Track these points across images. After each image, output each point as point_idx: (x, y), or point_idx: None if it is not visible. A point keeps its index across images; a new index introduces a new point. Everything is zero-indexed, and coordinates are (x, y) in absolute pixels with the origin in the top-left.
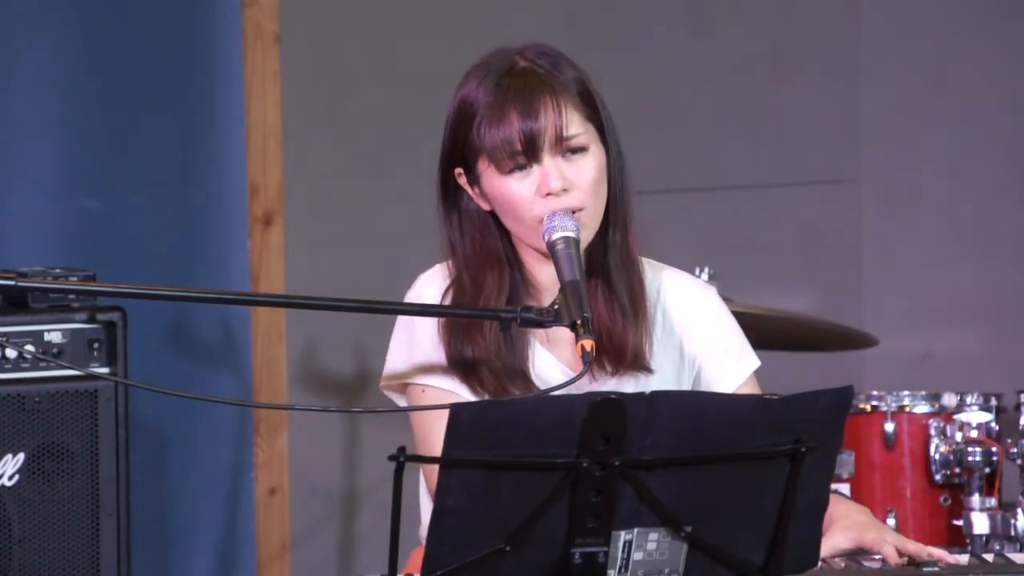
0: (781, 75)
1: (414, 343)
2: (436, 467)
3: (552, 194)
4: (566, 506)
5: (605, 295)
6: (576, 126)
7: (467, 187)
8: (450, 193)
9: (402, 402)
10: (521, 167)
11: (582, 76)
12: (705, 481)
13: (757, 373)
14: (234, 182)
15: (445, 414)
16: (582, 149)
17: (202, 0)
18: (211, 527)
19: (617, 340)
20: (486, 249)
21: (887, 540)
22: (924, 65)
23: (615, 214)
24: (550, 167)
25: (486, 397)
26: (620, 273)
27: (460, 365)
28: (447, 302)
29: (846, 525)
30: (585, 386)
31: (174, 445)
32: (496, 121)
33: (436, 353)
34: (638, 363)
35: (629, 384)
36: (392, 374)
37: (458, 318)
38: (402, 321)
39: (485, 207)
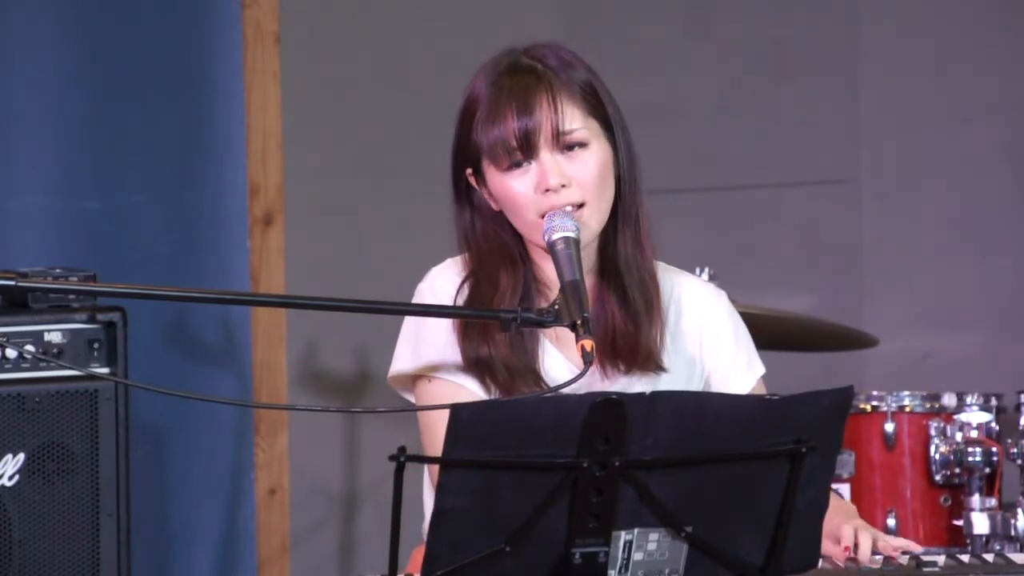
0: (781, 74)
1: (422, 337)
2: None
3: (551, 190)
4: (566, 506)
5: (617, 294)
6: (575, 121)
7: (478, 187)
8: (463, 191)
9: (408, 396)
10: (518, 164)
11: (591, 76)
12: (705, 481)
13: (763, 378)
14: (234, 182)
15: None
16: (582, 144)
17: (202, 0)
18: (211, 527)
19: (629, 339)
20: (500, 246)
21: (850, 526)
22: (924, 65)
23: (626, 213)
24: (548, 163)
25: (496, 393)
26: (632, 272)
27: (474, 362)
28: (462, 297)
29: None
30: (597, 384)
31: (174, 445)
32: (492, 119)
33: (445, 346)
34: (651, 362)
35: (641, 383)
36: (402, 370)
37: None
38: (411, 317)
39: (495, 207)
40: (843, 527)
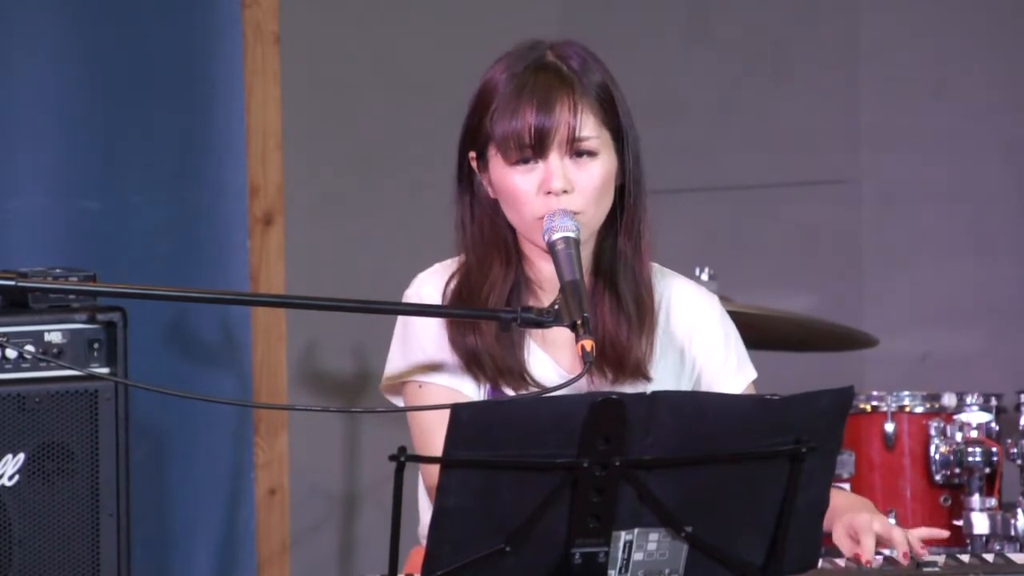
0: (781, 75)
1: (411, 342)
2: (434, 466)
3: (552, 193)
4: (566, 506)
5: (611, 302)
6: (590, 129)
7: (479, 172)
8: (465, 174)
9: (399, 403)
10: (526, 160)
11: (608, 82)
12: (705, 481)
13: (754, 383)
14: (234, 182)
15: (443, 414)
16: (591, 153)
17: (202, 0)
18: (211, 527)
19: (620, 349)
20: (494, 235)
21: (872, 527)
22: (924, 65)
23: (628, 224)
24: (555, 166)
25: (486, 386)
26: (628, 282)
27: (463, 352)
28: (451, 288)
29: (841, 515)
30: (583, 390)
31: (174, 445)
32: (510, 111)
33: (434, 350)
34: (638, 372)
35: (626, 390)
36: (390, 374)
37: (460, 305)
38: (400, 321)
39: (492, 194)
40: (859, 518)
